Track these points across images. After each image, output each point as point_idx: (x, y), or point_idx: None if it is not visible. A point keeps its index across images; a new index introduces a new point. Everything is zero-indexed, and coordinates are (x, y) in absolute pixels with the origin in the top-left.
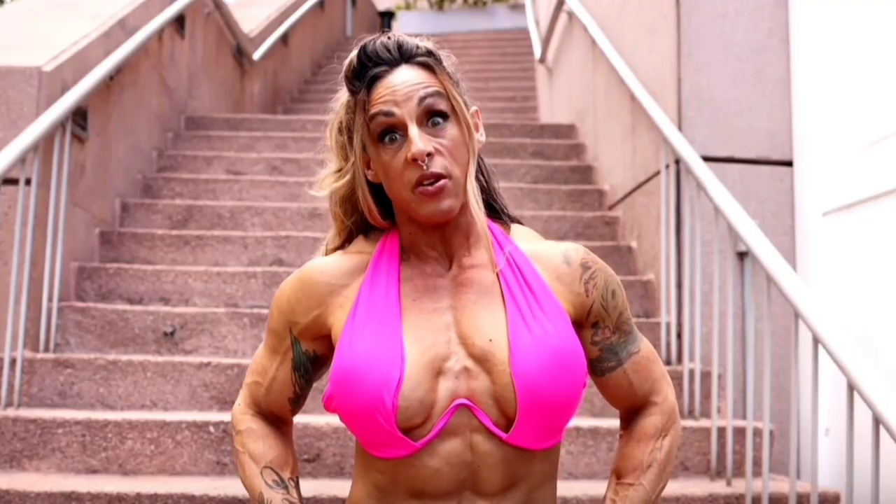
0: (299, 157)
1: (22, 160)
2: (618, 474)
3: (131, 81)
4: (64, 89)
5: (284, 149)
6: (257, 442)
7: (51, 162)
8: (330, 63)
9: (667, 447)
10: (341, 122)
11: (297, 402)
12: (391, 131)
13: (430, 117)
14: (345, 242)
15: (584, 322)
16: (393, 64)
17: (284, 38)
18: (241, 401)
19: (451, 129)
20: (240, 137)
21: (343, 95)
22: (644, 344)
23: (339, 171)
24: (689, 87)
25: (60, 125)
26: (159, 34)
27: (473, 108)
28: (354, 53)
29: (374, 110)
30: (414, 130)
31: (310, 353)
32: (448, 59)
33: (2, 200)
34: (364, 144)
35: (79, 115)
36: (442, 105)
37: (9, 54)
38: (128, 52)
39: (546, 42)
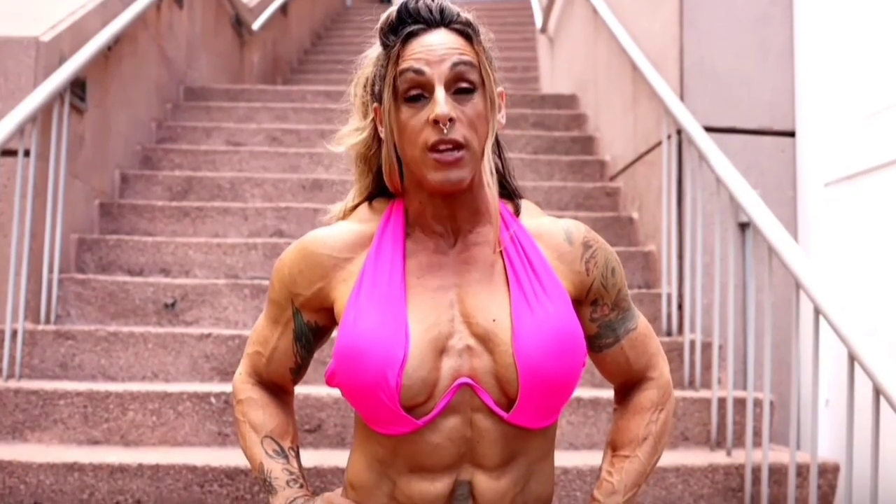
0: (299, 128)
1: (20, 131)
2: (613, 447)
3: (130, 52)
4: (62, 60)
5: (284, 120)
6: (258, 411)
7: (49, 133)
8: (329, 34)
9: (662, 420)
10: (367, 78)
11: (298, 372)
12: (417, 90)
13: (459, 84)
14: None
15: (583, 300)
16: (432, 24)
17: (284, 9)
18: (242, 370)
19: (476, 101)
20: (239, 108)
21: (373, 52)
22: (641, 320)
23: (359, 128)
24: (691, 57)
25: (59, 96)
26: (157, 4)
27: (500, 89)
28: (394, 8)
29: (404, 65)
30: (441, 93)
31: (311, 325)
32: (486, 34)
33: (1, 172)
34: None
35: (77, 86)
36: (472, 75)
37: (6, 24)
38: (126, 22)
39: (547, 12)
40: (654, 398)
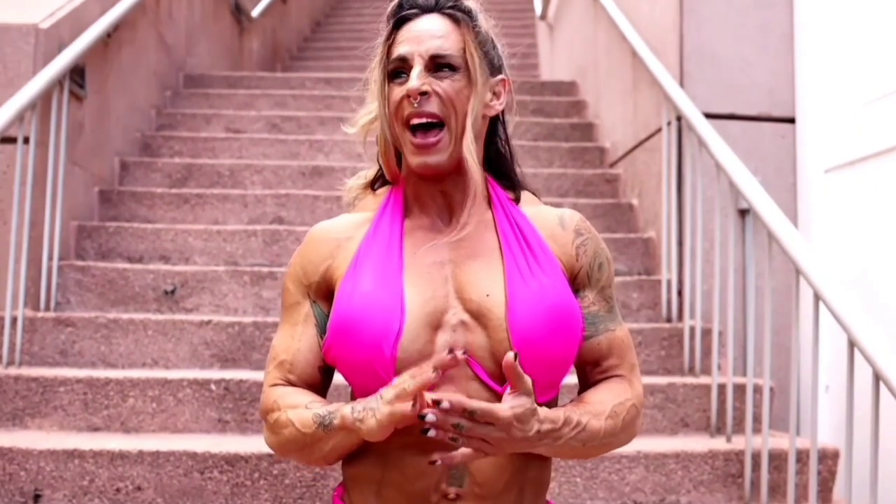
0: (299, 115)
1: (20, 118)
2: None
3: (129, 39)
4: (61, 47)
5: (284, 106)
6: (293, 397)
7: (49, 120)
8: (329, 21)
9: (626, 415)
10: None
11: (326, 373)
12: (401, 71)
13: (438, 64)
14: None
15: (570, 284)
16: (426, 10)
17: None
18: (266, 385)
19: (456, 80)
20: (239, 95)
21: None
22: (623, 329)
23: (371, 110)
24: (691, 43)
25: (58, 83)
26: None
27: (500, 77)
28: None
29: (392, 50)
30: (416, 70)
31: (328, 315)
32: (486, 21)
33: (0, 159)
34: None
35: (76, 73)
36: (453, 58)
37: (5, 11)
38: (125, 8)
39: None
40: (629, 394)
